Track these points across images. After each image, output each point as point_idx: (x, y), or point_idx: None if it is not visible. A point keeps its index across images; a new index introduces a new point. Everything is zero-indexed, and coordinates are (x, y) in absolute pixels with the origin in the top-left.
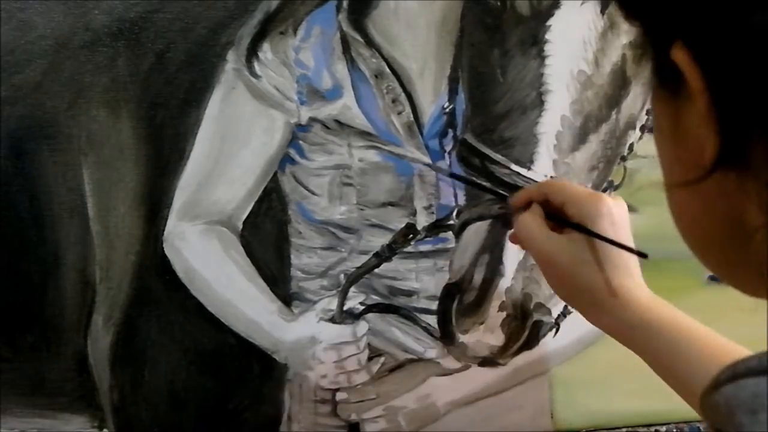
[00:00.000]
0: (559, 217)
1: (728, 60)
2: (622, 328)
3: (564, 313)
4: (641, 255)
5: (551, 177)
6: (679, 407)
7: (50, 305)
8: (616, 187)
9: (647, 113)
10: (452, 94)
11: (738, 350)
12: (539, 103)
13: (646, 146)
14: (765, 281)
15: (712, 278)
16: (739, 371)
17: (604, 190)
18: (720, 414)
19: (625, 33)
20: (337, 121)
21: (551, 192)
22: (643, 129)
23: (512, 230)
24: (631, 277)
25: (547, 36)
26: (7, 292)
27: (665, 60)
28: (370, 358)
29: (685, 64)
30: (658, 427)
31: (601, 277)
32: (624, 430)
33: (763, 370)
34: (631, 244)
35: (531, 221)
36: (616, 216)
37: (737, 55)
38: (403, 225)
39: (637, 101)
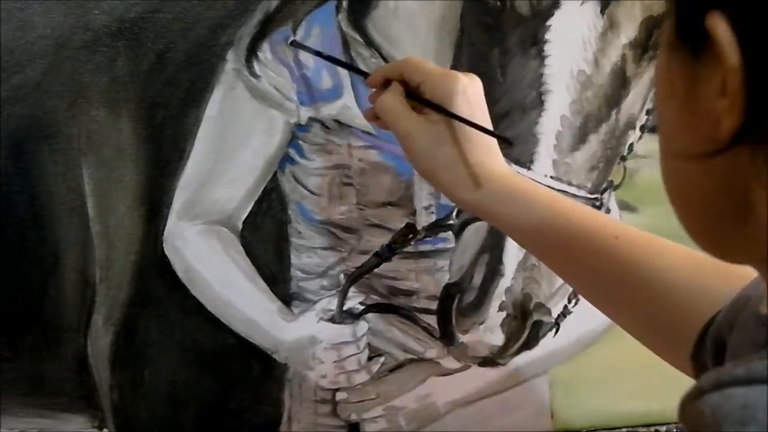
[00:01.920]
0: (417, 96)
1: None
2: (483, 203)
3: (564, 313)
4: (492, 134)
5: (551, 177)
6: None
7: (50, 305)
8: (616, 187)
9: (647, 113)
10: None
11: (585, 210)
12: (539, 103)
13: (646, 146)
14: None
15: None
16: (724, 379)
17: (604, 190)
18: (705, 423)
19: (625, 33)
20: (337, 121)
21: (407, 71)
22: (643, 129)
23: (368, 108)
24: (489, 155)
25: (547, 36)
26: (6, 292)
27: (693, 22)
28: (370, 358)
29: (724, 37)
30: (658, 427)
31: (460, 156)
32: (624, 430)
33: (751, 380)
34: (488, 123)
35: (391, 99)
36: (471, 95)
37: None
38: (402, 225)
39: (637, 101)
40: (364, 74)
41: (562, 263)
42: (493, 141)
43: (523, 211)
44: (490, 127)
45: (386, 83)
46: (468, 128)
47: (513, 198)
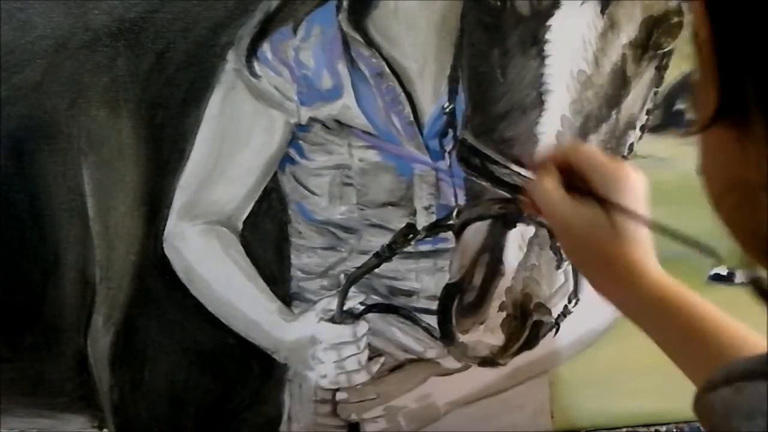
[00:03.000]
0: (581, 187)
1: (733, 12)
2: (632, 301)
3: (564, 314)
4: (665, 231)
5: None
6: (679, 407)
7: (50, 305)
8: None
9: (647, 113)
10: (452, 94)
11: (742, 334)
12: (539, 103)
13: (646, 146)
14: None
15: (713, 278)
16: (734, 374)
17: None
18: (716, 416)
19: (625, 33)
20: (337, 121)
21: (575, 157)
22: (643, 129)
23: (521, 198)
24: (646, 253)
25: (547, 36)
26: (7, 292)
27: None
28: (370, 358)
29: (697, 13)
30: (658, 427)
31: (616, 248)
32: (624, 430)
33: (761, 374)
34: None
35: (548, 184)
36: (639, 192)
37: (741, 8)
38: (403, 225)
39: (637, 101)
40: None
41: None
42: (649, 240)
43: (674, 323)
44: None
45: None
46: (625, 224)
47: (661, 306)
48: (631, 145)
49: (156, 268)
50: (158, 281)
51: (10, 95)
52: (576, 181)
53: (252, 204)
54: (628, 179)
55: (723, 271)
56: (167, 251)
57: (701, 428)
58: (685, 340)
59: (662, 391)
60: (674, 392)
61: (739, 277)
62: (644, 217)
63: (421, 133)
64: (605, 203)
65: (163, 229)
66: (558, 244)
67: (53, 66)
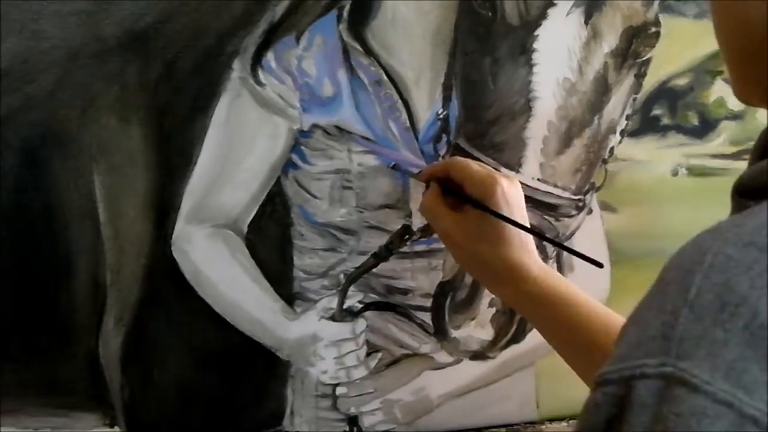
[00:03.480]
0: (458, 194)
1: None
2: (520, 300)
3: None
4: (532, 232)
5: (538, 179)
6: None
7: (62, 308)
8: (598, 189)
9: (626, 118)
10: (446, 100)
11: (616, 319)
12: (527, 109)
13: (625, 150)
14: None
15: None
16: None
17: (587, 192)
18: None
19: (607, 42)
20: (338, 128)
21: (453, 170)
22: (623, 133)
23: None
24: (527, 252)
25: (535, 45)
26: (20, 296)
27: None
28: (368, 354)
29: None
30: None
31: (498, 253)
32: None
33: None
34: (525, 222)
35: (429, 200)
36: (510, 196)
37: None
38: (399, 226)
39: (617, 107)
40: (414, 175)
41: (572, 356)
42: (529, 238)
43: (552, 314)
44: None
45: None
46: (505, 227)
47: (545, 300)
48: (612, 148)
49: (165, 270)
50: (167, 283)
51: (24, 104)
52: (455, 189)
53: (257, 208)
54: (498, 187)
55: None
56: (175, 254)
57: None
58: (566, 330)
59: None
60: None
61: None
62: (515, 220)
63: (417, 139)
64: (480, 209)
65: (172, 233)
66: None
67: (65, 75)
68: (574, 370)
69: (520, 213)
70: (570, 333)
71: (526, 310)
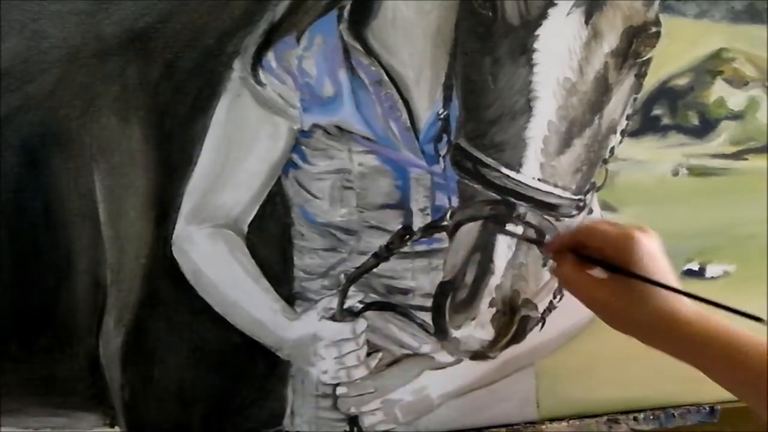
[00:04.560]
0: (599, 262)
1: None
2: (682, 347)
3: (549, 309)
4: (680, 291)
5: (539, 179)
6: (655, 395)
7: (63, 308)
8: (599, 189)
9: (627, 118)
10: (446, 100)
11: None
12: (527, 109)
13: (626, 150)
14: None
15: (686, 273)
16: None
17: (588, 192)
18: None
19: (607, 42)
20: (338, 127)
21: (586, 237)
22: (623, 133)
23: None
24: (679, 300)
25: (536, 45)
26: (21, 296)
27: None
28: (368, 354)
29: None
30: (636, 414)
31: (651, 308)
32: (605, 417)
33: None
34: (671, 275)
35: (571, 271)
36: (649, 250)
37: None
38: (399, 226)
39: (618, 107)
40: (544, 248)
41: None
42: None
43: (715, 352)
44: (673, 282)
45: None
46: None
47: (705, 340)
48: (612, 148)
49: (165, 270)
50: (167, 283)
51: (24, 104)
52: (592, 254)
53: (257, 208)
54: (638, 245)
55: (695, 266)
56: (176, 254)
57: (675, 415)
58: (734, 367)
59: (640, 380)
60: (651, 381)
61: (710, 272)
62: (666, 276)
63: (417, 139)
64: (624, 274)
65: (172, 233)
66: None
67: (66, 75)
68: (752, 406)
69: (663, 265)
70: (739, 370)
71: (688, 355)
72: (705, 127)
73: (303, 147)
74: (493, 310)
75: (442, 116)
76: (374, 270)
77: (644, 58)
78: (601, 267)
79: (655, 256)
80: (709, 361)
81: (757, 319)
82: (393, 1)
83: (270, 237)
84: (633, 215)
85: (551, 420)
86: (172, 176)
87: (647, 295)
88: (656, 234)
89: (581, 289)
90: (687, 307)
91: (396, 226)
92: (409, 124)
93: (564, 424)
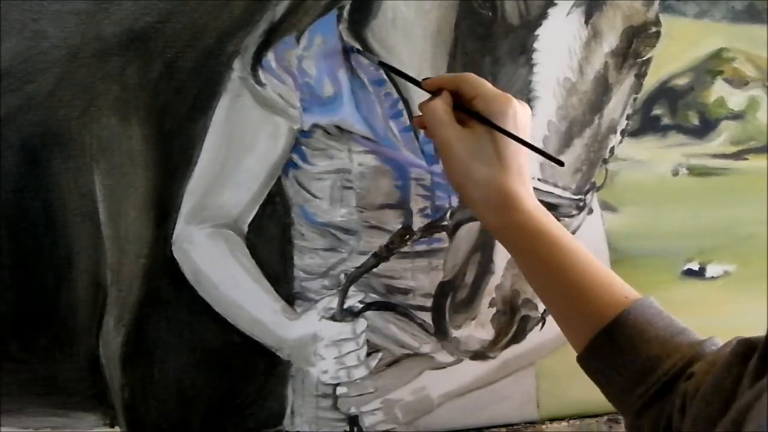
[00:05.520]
0: (468, 109)
1: None
2: (508, 231)
3: None
4: (537, 150)
5: (539, 179)
6: None
7: (63, 307)
8: (599, 188)
9: (627, 118)
10: None
11: (607, 279)
12: None
13: (625, 149)
14: None
15: (686, 273)
16: None
17: (587, 191)
18: None
19: (607, 42)
20: (338, 127)
21: (464, 84)
22: (623, 133)
23: (416, 115)
24: (523, 184)
25: (535, 45)
26: (21, 296)
27: None
28: (368, 354)
29: None
30: None
31: (494, 175)
32: (605, 417)
33: None
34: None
35: (439, 107)
36: (520, 119)
37: None
38: (399, 226)
39: (617, 107)
40: (417, 82)
41: (552, 297)
42: (527, 172)
43: (540, 249)
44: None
45: (438, 93)
46: (508, 154)
47: (535, 235)
48: (612, 148)
49: (165, 270)
50: (167, 283)
51: (24, 104)
52: (465, 105)
53: (257, 208)
54: (511, 107)
55: (695, 266)
56: (176, 254)
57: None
58: (549, 272)
59: None
60: None
61: (711, 271)
62: (524, 139)
63: (417, 138)
64: (488, 125)
65: (172, 233)
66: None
67: (65, 75)
68: (552, 312)
69: (527, 136)
70: (554, 273)
71: (511, 242)
72: (705, 127)
73: (303, 147)
74: (493, 310)
75: None
76: (374, 270)
77: (644, 58)
78: (470, 114)
79: (523, 126)
80: (529, 254)
81: (555, 160)
82: (393, 1)
83: (270, 237)
84: (633, 215)
85: (551, 420)
86: (172, 176)
87: (499, 161)
88: (529, 109)
89: (442, 126)
90: (531, 196)
91: (396, 226)
92: (409, 124)
93: (564, 424)
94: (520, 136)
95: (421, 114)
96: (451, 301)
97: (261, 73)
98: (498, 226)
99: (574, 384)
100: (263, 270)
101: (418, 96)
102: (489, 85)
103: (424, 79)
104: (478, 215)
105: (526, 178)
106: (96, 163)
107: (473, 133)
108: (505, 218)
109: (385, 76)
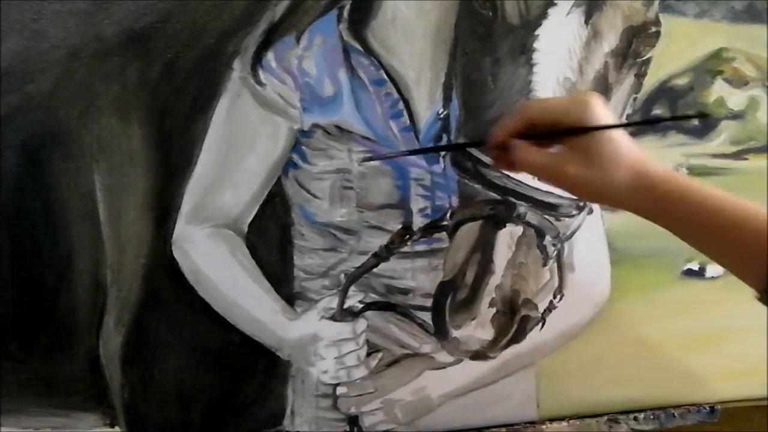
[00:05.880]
0: (551, 132)
1: None
2: (657, 206)
3: (549, 308)
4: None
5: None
6: (656, 395)
7: (63, 308)
8: None
9: (627, 118)
10: (446, 100)
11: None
12: None
13: None
14: None
15: (686, 273)
16: None
17: None
18: None
19: (607, 42)
20: (338, 127)
21: (532, 115)
22: None
23: (492, 164)
24: (649, 158)
25: (535, 45)
26: (21, 296)
27: None
28: (368, 354)
29: None
30: (636, 414)
31: (626, 168)
32: (605, 417)
33: None
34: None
35: (533, 155)
36: (605, 110)
37: None
38: (399, 226)
39: (618, 106)
40: (478, 144)
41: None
42: (631, 143)
43: (694, 203)
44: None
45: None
46: (618, 141)
47: (683, 197)
48: None
49: (165, 270)
50: (167, 283)
51: (24, 104)
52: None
53: (257, 208)
54: (592, 102)
55: (695, 266)
56: (176, 254)
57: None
58: (711, 220)
59: (640, 380)
60: (650, 381)
61: (710, 271)
62: (622, 121)
63: (418, 138)
64: (581, 130)
65: (172, 233)
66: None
67: (65, 75)
68: (722, 260)
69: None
70: (716, 216)
71: (665, 214)
72: (705, 127)
73: (303, 147)
74: (493, 310)
75: (442, 116)
76: (374, 270)
77: (644, 58)
78: (565, 136)
79: (609, 114)
80: (684, 218)
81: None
82: (393, 1)
83: (270, 237)
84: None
85: (551, 420)
86: (172, 176)
87: (617, 156)
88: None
89: (548, 168)
90: (657, 164)
91: (396, 226)
92: (409, 124)
93: (564, 424)
94: (611, 122)
95: (496, 163)
96: (451, 301)
97: (261, 73)
98: (647, 207)
99: (574, 384)
100: (263, 270)
101: (418, 96)
102: (556, 100)
103: (483, 143)
104: (627, 208)
105: (635, 148)
106: (96, 163)
107: (575, 147)
108: (649, 196)
109: (386, 76)
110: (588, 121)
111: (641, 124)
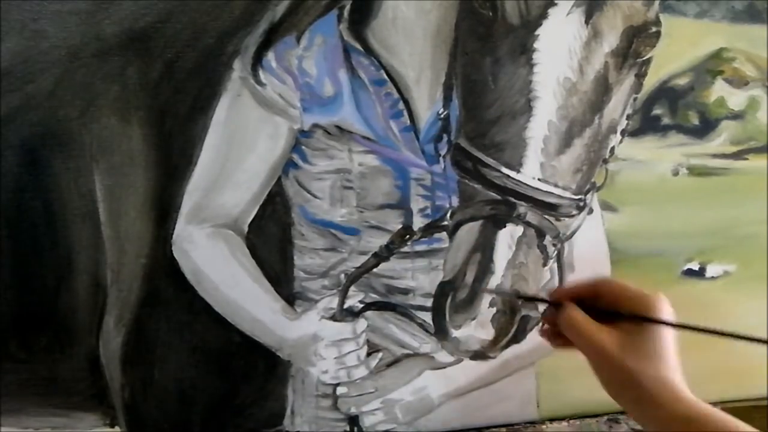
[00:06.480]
0: (612, 311)
1: None
2: (674, 422)
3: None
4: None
5: (539, 179)
6: None
7: (63, 307)
8: (599, 188)
9: (627, 118)
10: (447, 100)
11: None
12: (528, 109)
13: (625, 149)
14: None
15: (686, 273)
16: None
17: (588, 191)
18: None
19: (608, 42)
20: (338, 127)
21: (602, 289)
22: (623, 133)
23: (543, 328)
24: (679, 372)
25: (536, 45)
26: (21, 295)
27: None
28: (368, 354)
29: None
30: None
31: (655, 369)
32: (605, 417)
33: None
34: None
35: (580, 315)
36: (668, 313)
37: None
38: (400, 226)
39: (618, 107)
40: (544, 300)
41: None
42: (676, 359)
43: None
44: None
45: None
46: (659, 346)
47: (702, 421)
48: (612, 148)
49: (165, 270)
50: (167, 283)
51: (24, 104)
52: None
53: (257, 207)
54: (660, 302)
55: (695, 266)
56: (176, 254)
57: None
58: None
59: None
60: None
61: (710, 271)
62: (679, 324)
63: (418, 138)
64: (639, 321)
65: (172, 233)
66: (591, 367)
67: (66, 75)
68: None
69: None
70: None
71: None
72: (705, 127)
73: (303, 147)
74: (493, 310)
75: (442, 116)
76: (374, 270)
77: (644, 58)
78: (625, 318)
79: (672, 318)
80: None
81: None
82: (393, 1)
83: (270, 237)
84: (633, 215)
85: (552, 420)
86: (172, 176)
87: (657, 355)
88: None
89: (590, 335)
90: (686, 386)
91: (396, 226)
92: (409, 124)
93: (564, 424)
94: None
95: (547, 326)
96: (451, 301)
97: (261, 73)
98: (664, 421)
99: (574, 384)
100: (263, 270)
101: (419, 96)
102: (622, 284)
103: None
104: (644, 414)
105: (679, 370)
106: (96, 163)
107: (624, 330)
108: (669, 411)
109: (386, 76)
110: (653, 312)
111: (705, 333)
